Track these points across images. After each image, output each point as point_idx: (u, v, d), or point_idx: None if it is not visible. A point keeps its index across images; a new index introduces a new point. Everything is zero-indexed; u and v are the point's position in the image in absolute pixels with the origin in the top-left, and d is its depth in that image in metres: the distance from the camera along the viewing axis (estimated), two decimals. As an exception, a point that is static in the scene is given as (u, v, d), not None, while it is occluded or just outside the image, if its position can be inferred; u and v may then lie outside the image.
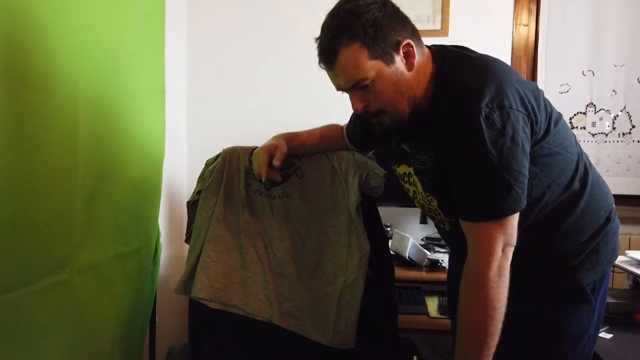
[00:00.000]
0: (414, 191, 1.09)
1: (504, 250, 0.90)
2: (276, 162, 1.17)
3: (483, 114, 0.86)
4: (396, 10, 0.94)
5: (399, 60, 0.93)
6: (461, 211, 0.95)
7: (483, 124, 0.86)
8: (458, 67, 0.95)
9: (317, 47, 0.96)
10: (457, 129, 0.90)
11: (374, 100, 0.96)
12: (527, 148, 0.90)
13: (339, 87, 0.97)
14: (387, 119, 0.98)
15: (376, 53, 0.91)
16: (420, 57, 0.95)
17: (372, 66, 0.92)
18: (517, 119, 0.88)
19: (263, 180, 1.20)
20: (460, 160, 0.91)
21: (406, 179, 1.10)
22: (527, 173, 0.90)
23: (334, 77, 0.96)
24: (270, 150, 1.19)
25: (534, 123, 0.91)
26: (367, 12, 0.90)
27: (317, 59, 0.97)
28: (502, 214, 0.89)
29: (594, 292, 1.02)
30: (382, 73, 0.93)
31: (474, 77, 0.90)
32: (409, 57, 0.94)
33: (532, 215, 0.94)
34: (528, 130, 0.90)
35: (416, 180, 1.06)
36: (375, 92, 0.94)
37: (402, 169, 1.10)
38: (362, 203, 1.23)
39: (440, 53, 0.99)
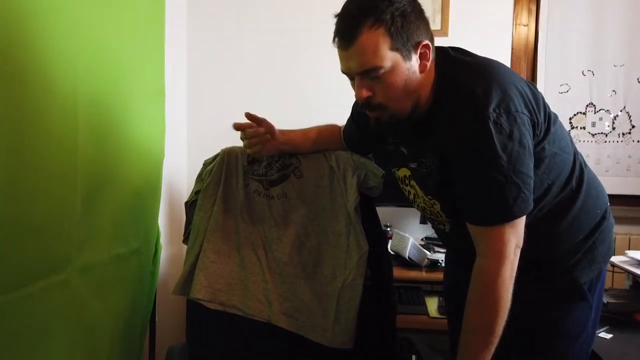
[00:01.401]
0: (414, 194, 1.09)
1: (514, 252, 0.91)
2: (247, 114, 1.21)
3: (491, 119, 0.86)
4: (422, 10, 0.93)
5: (415, 60, 0.92)
6: (471, 216, 0.95)
7: (492, 129, 0.86)
8: (459, 72, 0.95)
9: (337, 23, 0.92)
10: (464, 135, 0.90)
11: (381, 92, 0.92)
12: (532, 150, 0.91)
13: (348, 71, 0.93)
14: (387, 115, 0.96)
15: (397, 45, 0.89)
16: (431, 61, 0.95)
17: (390, 57, 0.89)
18: (523, 122, 0.89)
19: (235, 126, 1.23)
20: (469, 165, 0.91)
21: (406, 181, 1.10)
22: (532, 175, 0.91)
23: (346, 59, 0.91)
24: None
25: (536, 125, 0.92)
26: (399, 2, 0.88)
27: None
28: (512, 217, 0.90)
29: (591, 290, 1.03)
30: (397, 67, 0.90)
31: (478, 82, 0.90)
32: (423, 58, 0.93)
33: (530, 215, 0.94)
34: (531, 132, 0.91)
35: (414, 183, 1.06)
36: (385, 85, 0.91)
37: (402, 172, 1.11)
38: (360, 203, 1.23)
39: (439, 55, 0.98)
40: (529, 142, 0.90)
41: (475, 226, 0.94)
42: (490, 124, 0.86)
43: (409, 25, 0.89)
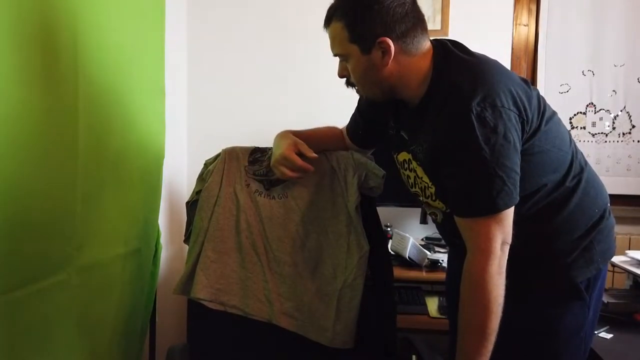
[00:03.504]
0: (415, 177, 1.09)
1: (501, 248, 0.92)
2: (312, 155, 1.18)
3: (475, 112, 0.88)
4: (399, 5, 0.94)
5: (376, 53, 0.96)
6: (456, 207, 0.97)
7: (475, 122, 0.88)
8: (453, 67, 0.97)
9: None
10: (449, 127, 0.92)
11: (350, 73, 1.03)
12: (519, 146, 0.92)
13: None
14: (361, 92, 1.09)
15: (354, 38, 0.97)
16: (408, 56, 0.97)
17: (348, 47, 0.98)
18: (509, 117, 0.90)
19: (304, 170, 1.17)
20: (453, 157, 0.93)
21: (406, 165, 1.11)
22: (518, 170, 0.92)
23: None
24: (293, 149, 1.17)
25: (525, 122, 0.93)
26: None
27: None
28: (495, 209, 0.91)
29: (589, 290, 1.03)
30: (356, 58, 0.99)
31: (467, 78, 0.92)
32: (385, 54, 0.96)
33: (523, 209, 0.95)
34: (519, 129, 0.92)
35: (416, 165, 1.06)
36: (350, 70, 1.02)
37: (402, 156, 1.11)
38: (361, 203, 1.23)
39: (439, 50, 1.00)
40: (515, 138, 0.91)
41: (461, 219, 0.96)
42: (473, 117, 0.88)
43: (367, 22, 0.95)
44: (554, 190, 1.00)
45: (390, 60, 0.96)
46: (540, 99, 1.00)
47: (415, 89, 1.00)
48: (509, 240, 0.93)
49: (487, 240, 0.91)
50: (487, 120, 0.88)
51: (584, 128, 2.07)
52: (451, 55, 0.99)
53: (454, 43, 1.02)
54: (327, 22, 1.01)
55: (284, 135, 1.23)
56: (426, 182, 1.05)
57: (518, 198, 0.92)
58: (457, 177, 0.94)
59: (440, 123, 0.94)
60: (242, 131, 2.11)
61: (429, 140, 0.98)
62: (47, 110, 0.96)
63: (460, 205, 0.96)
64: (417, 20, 0.97)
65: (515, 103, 0.92)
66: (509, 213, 0.92)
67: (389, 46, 0.95)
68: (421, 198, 1.11)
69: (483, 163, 0.89)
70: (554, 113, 1.03)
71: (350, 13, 0.96)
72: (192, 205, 1.30)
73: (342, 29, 0.97)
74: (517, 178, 0.91)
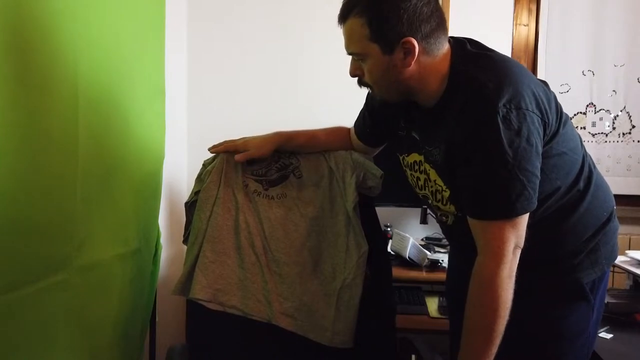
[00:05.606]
0: (425, 179, 1.08)
1: (513, 252, 0.91)
2: (238, 157, 1.23)
3: (501, 114, 0.86)
4: (425, 4, 0.91)
5: (398, 54, 0.92)
6: (472, 209, 0.95)
7: (501, 124, 0.86)
8: (474, 65, 0.94)
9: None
10: (472, 127, 0.90)
11: (365, 74, 0.99)
12: (540, 149, 0.91)
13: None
14: (375, 93, 1.04)
15: (376, 37, 0.92)
16: (429, 57, 0.94)
17: (368, 46, 0.93)
18: (533, 120, 0.89)
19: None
20: (474, 158, 0.91)
21: (416, 167, 1.09)
22: (539, 174, 0.91)
23: (343, 36, 0.99)
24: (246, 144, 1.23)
25: (546, 125, 0.92)
26: None
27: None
28: (513, 213, 0.89)
29: (593, 291, 1.03)
30: (375, 57, 0.94)
31: (492, 77, 0.90)
32: (408, 55, 0.92)
33: (537, 213, 0.94)
34: (541, 132, 0.91)
35: (428, 167, 1.04)
36: (366, 70, 0.97)
37: (413, 158, 1.09)
38: (360, 203, 1.23)
39: (458, 49, 0.98)
40: (537, 141, 0.89)
41: (476, 220, 0.94)
42: (499, 119, 0.86)
43: (391, 21, 0.90)
44: (566, 194, 0.99)
45: (413, 62, 0.93)
46: (557, 101, 0.99)
47: (434, 90, 0.97)
48: (522, 244, 0.92)
49: (500, 244, 0.90)
50: (512, 123, 0.86)
51: (584, 128, 2.08)
52: (471, 54, 0.97)
53: (471, 41, 1.00)
54: (344, 18, 0.95)
55: (277, 133, 1.25)
56: (440, 185, 1.03)
57: (536, 203, 0.91)
58: (475, 178, 0.92)
59: (462, 122, 0.91)
60: (242, 131, 2.10)
61: (446, 140, 0.96)
62: (47, 110, 0.96)
63: (476, 207, 0.94)
64: (441, 21, 0.94)
65: (537, 105, 0.90)
66: (525, 217, 0.91)
67: (414, 47, 0.91)
68: (430, 201, 1.09)
69: (505, 166, 0.87)
70: (567, 116, 1.02)
71: (374, 10, 0.90)
72: (190, 205, 1.30)
73: (362, 26, 0.92)
74: (537, 182, 0.90)
